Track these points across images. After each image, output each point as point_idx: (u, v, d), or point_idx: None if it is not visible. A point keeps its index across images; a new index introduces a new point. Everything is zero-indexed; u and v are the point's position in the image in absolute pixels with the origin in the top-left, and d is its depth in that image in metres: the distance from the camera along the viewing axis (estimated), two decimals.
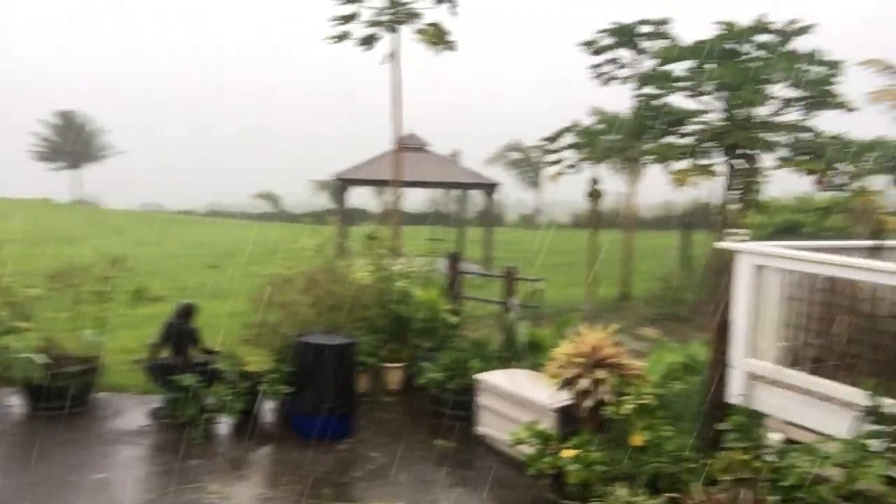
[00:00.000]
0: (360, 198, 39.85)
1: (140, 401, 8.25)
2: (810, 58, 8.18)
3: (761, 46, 8.93)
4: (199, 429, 7.29)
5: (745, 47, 8.81)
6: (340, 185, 18.93)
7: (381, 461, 6.99)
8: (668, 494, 5.18)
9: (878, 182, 7.57)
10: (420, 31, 12.93)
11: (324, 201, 47.50)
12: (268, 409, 8.18)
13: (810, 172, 9.18)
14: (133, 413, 7.99)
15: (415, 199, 34.96)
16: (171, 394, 7.56)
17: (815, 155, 9.00)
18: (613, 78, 14.36)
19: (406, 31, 13.06)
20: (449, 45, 13.07)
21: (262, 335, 8.44)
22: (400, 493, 6.27)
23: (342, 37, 13.09)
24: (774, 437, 5.18)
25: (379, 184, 25.10)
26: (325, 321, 8.58)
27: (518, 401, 7.13)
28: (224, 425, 7.68)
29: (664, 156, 9.28)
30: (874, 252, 5.81)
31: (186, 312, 8.10)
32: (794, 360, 5.35)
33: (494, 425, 7.42)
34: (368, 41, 13.15)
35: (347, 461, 7.02)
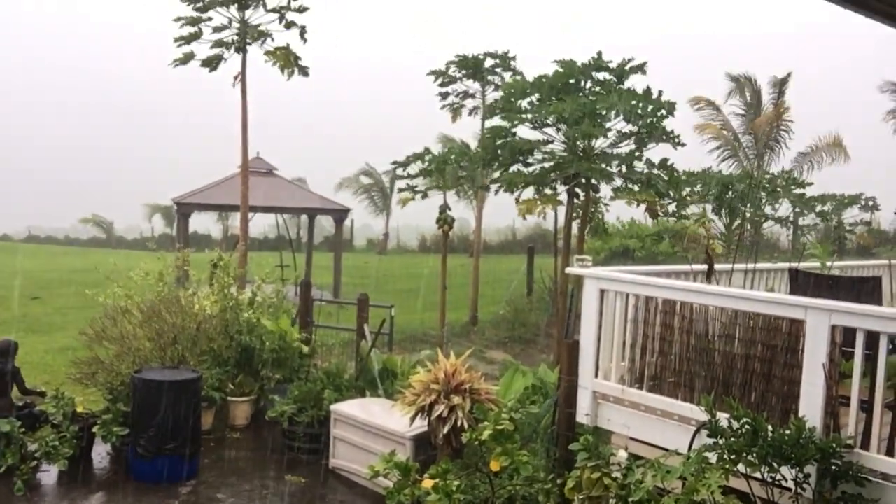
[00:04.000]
0: (201, 223, 38.21)
1: None
2: (643, 96, 8.77)
3: (598, 83, 9.49)
4: (20, 479, 6.55)
5: (585, 83, 9.32)
6: (181, 209, 17.99)
7: (228, 502, 6.62)
8: None
9: (704, 210, 8.22)
10: (269, 53, 12.63)
11: (161, 227, 45.07)
12: (103, 454, 7.54)
13: (642, 202, 9.79)
14: None
15: (261, 225, 33.96)
16: None
17: (647, 185, 9.62)
18: (462, 107, 14.79)
19: (257, 53, 12.72)
20: (302, 70, 12.85)
21: (94, 373, 7.79)
22: None
23: (186, 58, 12.51)
24: (621, 454, 5.43)
25: (222, 208, 24.18)
26: (166, 355, 8.06)
27: (373, 430, 7.03)
28: (51, 474, 6.96)
29: (511, 184, 9.57)
30: (706, 276, 6.28)
31: (6, 351, 7.29)
32: (636, 378, 5.64)
33: (350, 457, 7.25)
34: (212, 62, 12.66)
35: None
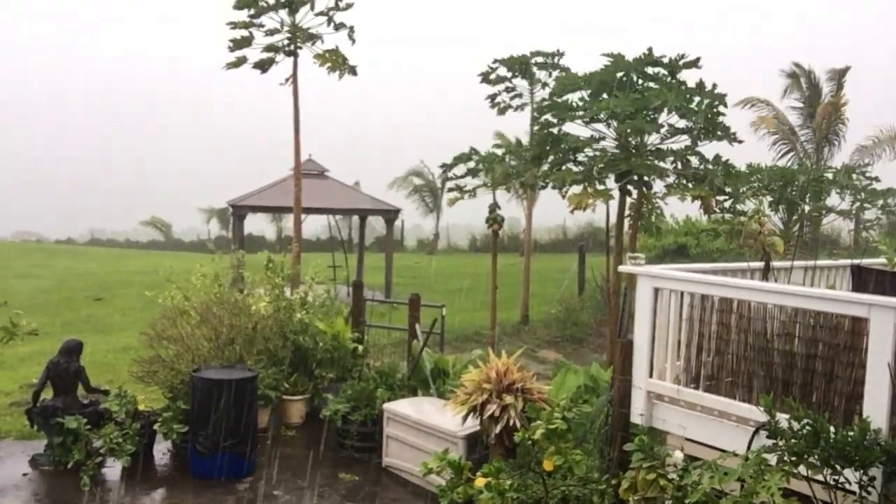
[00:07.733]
0: (256, 225, 38.99)
1: (20, 447, 7.66)
2: (698, 90, 8.60)
3: (650, 78, 9.32)
4: (86, 475, 6.78)
5: (637, 78, 9.18)
6: (236, 212, 18.36)
7: (284, 499, 6.73)
8: None
9: (760, 203, 8.02)
10: (318, 57, 12.80)
11: (217, 229, 46.11)
12: (163, 450, 7.75)
13: (697, 198, 9.60)
14: (11, 461, 7.37)
15: (313, 226, 34.43)
16: (54, 438, 7.03)
17: (701, 181, 9.43)
18: (509, 107, 14.69)
19: (307, 56, 12.91)
20: (351, 70, 13.00)
21: (154, 372, 8.01)
22: None
23: (239, 62, 12.77)
24: (677, 455, 5.33)
25: (275, 210, 24.59)
26: (223, 355, 8.23)
27: (426, 429, 7.06)
28: (115, 470, 7.18)
29: (562, 181, 9.49)
30: (764, 273, 6.13)
31: (72, 350, 7.55)
32: (691, 378, 5.54)
33: (402, 456, 7.30)
34: (263, 65, 12.90)
35: (248, 501, 6.71)
